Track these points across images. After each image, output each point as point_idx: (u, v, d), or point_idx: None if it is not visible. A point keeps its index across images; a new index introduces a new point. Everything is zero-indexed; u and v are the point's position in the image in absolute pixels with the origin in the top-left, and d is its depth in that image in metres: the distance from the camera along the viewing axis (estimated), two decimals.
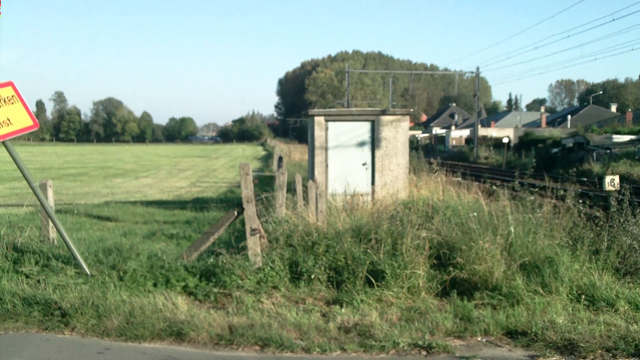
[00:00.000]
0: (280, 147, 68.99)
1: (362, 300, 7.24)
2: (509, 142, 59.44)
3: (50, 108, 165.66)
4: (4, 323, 6.65)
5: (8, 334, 6.45)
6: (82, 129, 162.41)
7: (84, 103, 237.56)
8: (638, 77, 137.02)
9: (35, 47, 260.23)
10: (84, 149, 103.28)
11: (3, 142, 7.46)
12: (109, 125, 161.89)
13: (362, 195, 14.32)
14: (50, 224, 8.85)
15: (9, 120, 7.52)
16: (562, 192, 9.71)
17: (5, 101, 7.56)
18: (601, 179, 11.12)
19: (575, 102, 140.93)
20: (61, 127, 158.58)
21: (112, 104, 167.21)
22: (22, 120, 7.70)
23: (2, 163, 42.75)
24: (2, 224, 9.54)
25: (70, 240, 7.81)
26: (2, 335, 6.41)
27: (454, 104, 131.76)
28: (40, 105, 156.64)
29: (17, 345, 6.09)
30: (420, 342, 6.05)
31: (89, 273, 7.69)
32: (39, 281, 7.55)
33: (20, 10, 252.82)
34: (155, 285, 7.61)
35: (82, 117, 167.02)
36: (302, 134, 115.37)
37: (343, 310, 6.99)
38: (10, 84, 7.73)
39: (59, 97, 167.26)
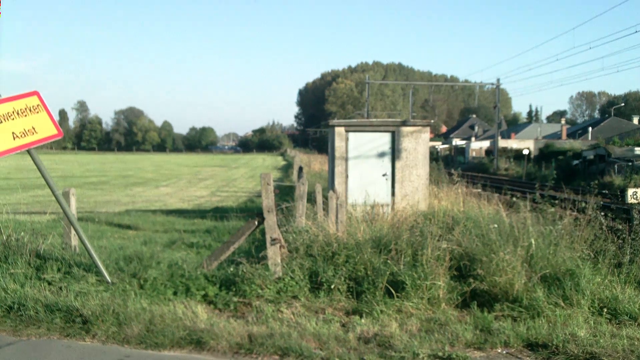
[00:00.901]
0: (300, 157, 68.98)
1: (381, 311, 7.23)
2: (529, 153, 59.11)
3: (72, 117, 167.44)
4: (26, 329, 6.72)
5: (30, 340, 6.51)
6: (103, 138, 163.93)
7: (105, 112, 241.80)
8: None
9: (58, 56, 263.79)
10: (105, 157, 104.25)
11: (28, 151, 7.55)
12: (130, 134, 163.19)
13: (382, 205, 14.31)
14: (73, 231, 8.92)
15: (34, 129, 7.62)
16: (583, 205, 9.63)
17: (30, 110, 7.66)
18: (623, 191, 11.04)
19: (597, 114, 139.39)
20: (83, 135, 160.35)
21: (133, 113, 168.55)
22: (46, 129, 7.80)
23: (25, 171, 43.35)
24: (26, 231, 9.62)
25: (92, 248, 7.87)
26: (25, 341, 6.48)
27: (474, 116, 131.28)
28: (63, 114, 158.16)
29: (39, 351, 6.15)
30: (440, 353, 6.01)
31: (109, 281, 7.75)
32: (60, 288, 7.61)
33: (45, 20, 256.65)
34: (175, 293, 7.66)
35: (104, 126, 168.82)
36: (322, 145, 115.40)
37: (363, 320, 6.98)
38: (35, 93, 7.83)
39: (82, 107, 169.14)
